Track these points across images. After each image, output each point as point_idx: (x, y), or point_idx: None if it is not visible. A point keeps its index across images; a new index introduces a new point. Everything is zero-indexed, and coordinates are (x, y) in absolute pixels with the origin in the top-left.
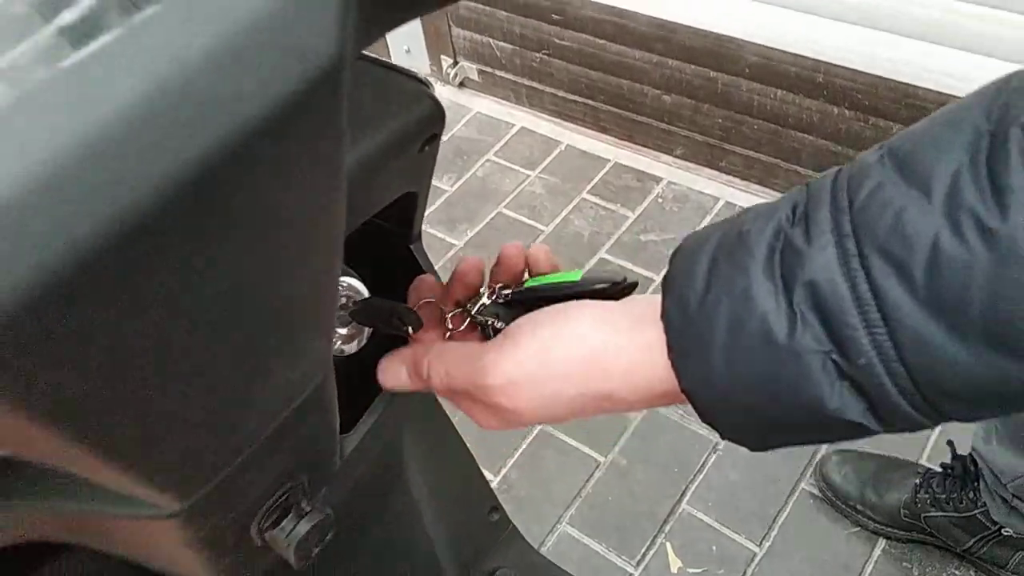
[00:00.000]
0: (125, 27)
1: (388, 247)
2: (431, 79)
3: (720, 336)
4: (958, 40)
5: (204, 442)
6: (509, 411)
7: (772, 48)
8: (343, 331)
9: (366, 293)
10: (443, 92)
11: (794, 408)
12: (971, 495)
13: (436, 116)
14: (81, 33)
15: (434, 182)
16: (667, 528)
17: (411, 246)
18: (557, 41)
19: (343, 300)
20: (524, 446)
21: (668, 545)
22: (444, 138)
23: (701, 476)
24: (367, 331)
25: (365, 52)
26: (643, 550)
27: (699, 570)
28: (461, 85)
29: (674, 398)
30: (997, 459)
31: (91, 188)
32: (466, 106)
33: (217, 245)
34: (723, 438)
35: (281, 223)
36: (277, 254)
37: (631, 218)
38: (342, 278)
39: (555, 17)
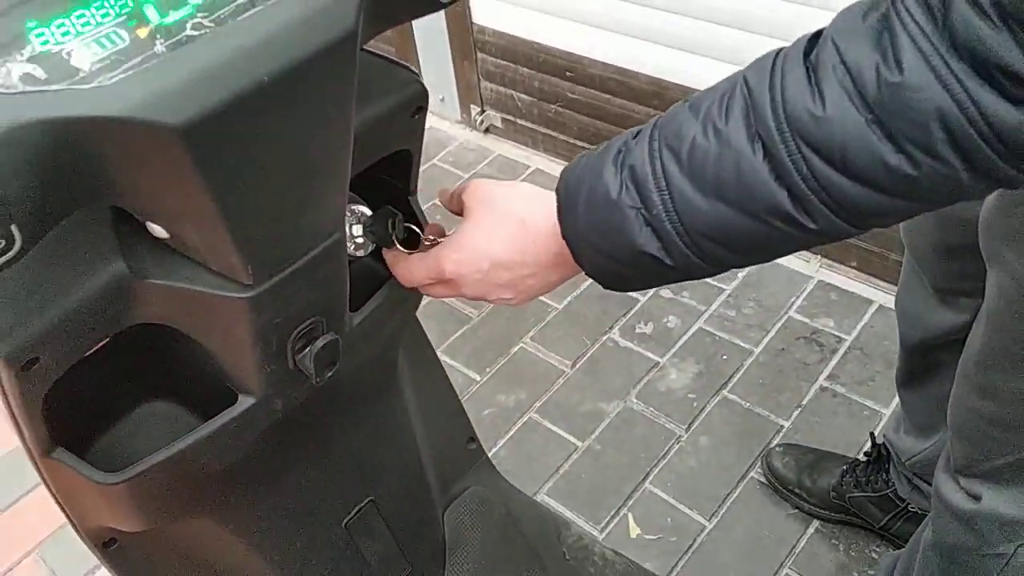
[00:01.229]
0: (264, 5)
1: (393, 199)
2: (461, 125)
3: (583, 198)
4: None
5: (277, 233)
6: (470, 229)
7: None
8: (359, 240)
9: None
10: (470, 137)
11: (619, 245)
12: (884, 476)
13: (423, 93)
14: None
15: None
16: (630, 502)
17: (409, 198)
18: (569, 95)
19: (358, 217)
20: (513, 431)
21: (630, 515)
22: (468, 176)
23: (664, 462)
24: (371, 246)
25: (384, 54)
26: (608, 518)
27: (654, 537)
28: (487, 131)
29: (563, 249)
30: (902, 443)
31: (241, 74)
32: (490, 149)
33: (294, 115)
34: (588, 275)
35: (322, 113)
36: (318, 131)
37: None
38: (357, 205)
39: (568, 74)
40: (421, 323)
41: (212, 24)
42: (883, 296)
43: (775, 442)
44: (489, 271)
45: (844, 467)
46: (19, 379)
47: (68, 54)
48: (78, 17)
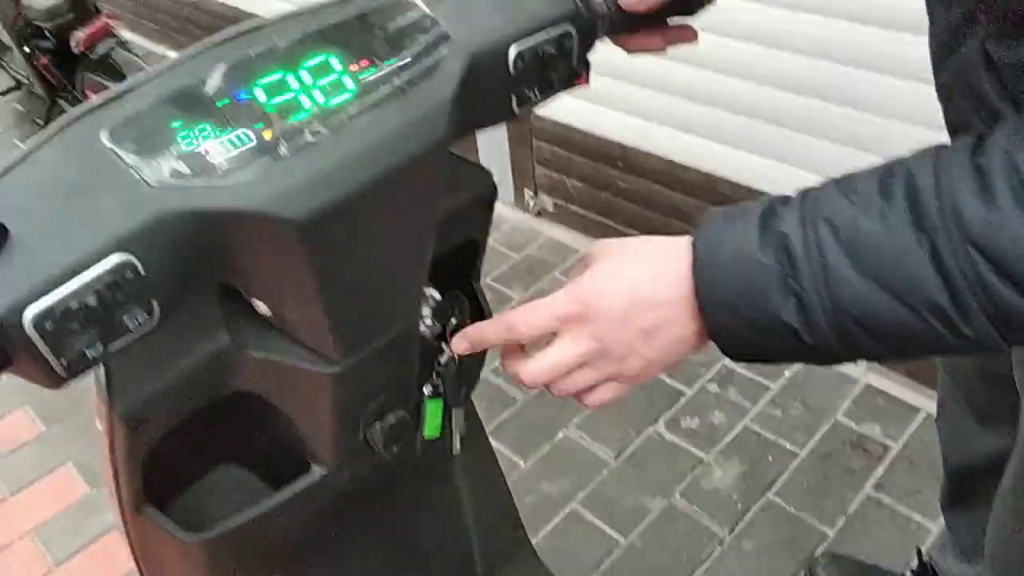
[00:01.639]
0: (369, 115)
1: (459, 284)
2: (514, 208)
3: (726, 256)
4: None
5: (365, 314)
6: (603, 266)
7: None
8: (427, 322)
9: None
10: (523, 219)
11: (758, 310)
12: None
13: (493, 189)
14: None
15: (505, 291)
16: None
17: (474, 284)
18: (620, 184)
19: (428, 300)
20: (555, 521)
21: None
22: (519, 256)
23: (707, 564)
24: (438, 328)
25: (458, 153)
26: None
27: None
28: (539, 215)
29: (689, 300)
30: (948, 567)
31: (351, 177)
32: (542, 232)
33: (386, 211)
34: (711, 335)
35: (412, 209)
36: (409, 224)
37: None
38: (427, 289)
39: (619, 164)
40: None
41: (327, 130)
42: (932, 404)
43: (819, 551)
44: (629, 308)
45: None
46: (128, 437)
47: (206, 152)
48: (213, 119)
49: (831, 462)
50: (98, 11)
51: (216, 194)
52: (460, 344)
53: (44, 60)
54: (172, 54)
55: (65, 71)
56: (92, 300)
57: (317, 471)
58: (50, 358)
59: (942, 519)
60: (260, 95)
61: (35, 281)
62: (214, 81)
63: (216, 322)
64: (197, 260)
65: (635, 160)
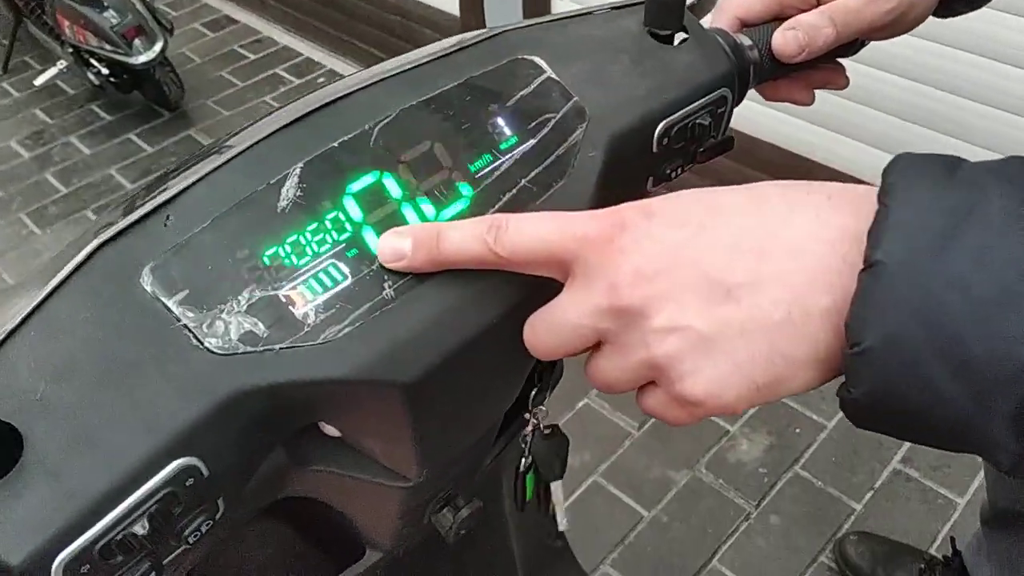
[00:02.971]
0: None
1: None
2: None
3: (941, 208)
4: None
5: (457, 442)
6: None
7: (840, 172)
8: None
9: None
10: None
11: (981, 324)
12: None
13: None
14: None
15: None
16: None
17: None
18: None
19: None
20: (578, 492)
21: None
22: None
23: (733, 540)
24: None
25: None
26: None
27: None
28: None
29: (839, 272)
30: (979, 571)
31: (471, 322)
32: None
33: (500, 347)
34: (851, 353)
35: (511, 346)
36: (514, 362)
37: None
38: None
39: None
40: None
41: None
42: None
43: (846, 526)
44: (708, 214)
45: (922, 565)
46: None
47: (287, 300)
48: (292, 245)
49: (859, 435)
50: None
51: (304, 362)
52: (400, 251)
53: None
54: None
55: None
56: (141, 528)
57: (372, 556)
58: None
59: (969, 495)
60: (352, 209)
61: (65, 518)
62: (289, 188)
63: (272, 443)
64: (270, 431)
65: None
